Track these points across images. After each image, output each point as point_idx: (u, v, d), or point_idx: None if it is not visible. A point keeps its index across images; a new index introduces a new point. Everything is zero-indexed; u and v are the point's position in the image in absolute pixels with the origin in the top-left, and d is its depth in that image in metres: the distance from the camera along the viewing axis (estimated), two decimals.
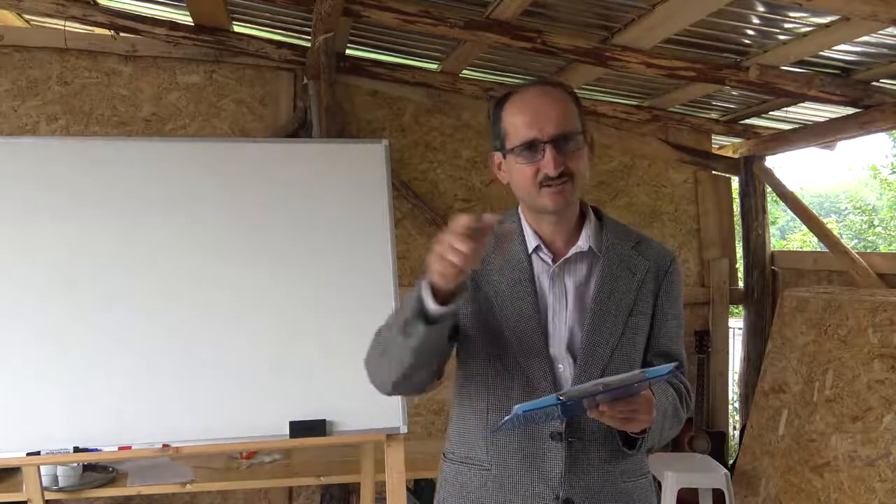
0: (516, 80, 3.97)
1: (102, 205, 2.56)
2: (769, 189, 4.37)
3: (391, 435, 2.58)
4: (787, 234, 13.25)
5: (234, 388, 2.51)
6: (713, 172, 4.40)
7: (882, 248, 11.43)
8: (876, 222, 12.23)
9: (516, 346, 1.40)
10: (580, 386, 1.24)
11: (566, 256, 1.43)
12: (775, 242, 9.55)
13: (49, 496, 2.88)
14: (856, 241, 12.08)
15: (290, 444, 2.54)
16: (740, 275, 4.59)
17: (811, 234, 5.18)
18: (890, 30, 2.56)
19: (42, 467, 2.80)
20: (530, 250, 1.44)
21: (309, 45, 3.64)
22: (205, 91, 3.77)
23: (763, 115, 3.98)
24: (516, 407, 1.19)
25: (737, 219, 4.53)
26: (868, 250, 10.36)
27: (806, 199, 5.49)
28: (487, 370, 1.42)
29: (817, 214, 4.43)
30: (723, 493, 3.40)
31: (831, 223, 11.35)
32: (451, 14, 3.00)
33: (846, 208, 13.58)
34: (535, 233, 1.46)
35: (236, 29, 3.70)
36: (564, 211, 1.42)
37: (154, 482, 3.00)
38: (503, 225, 1.20)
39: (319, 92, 3.57)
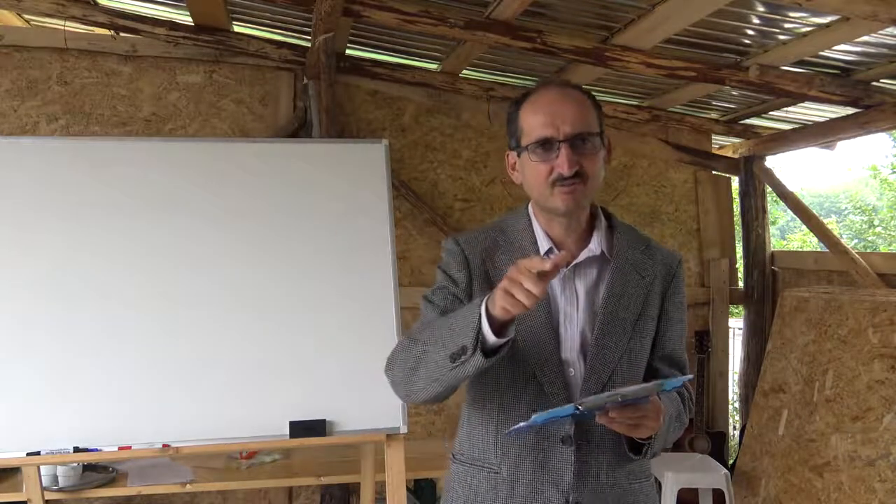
0: (516, 80, 3.97)
1: (102, 205, 2.56)
2: (769, 189, 4.37)
3: (391, 435, 2.58)
4: (787, 234, 13.24)
5: (234, 388, 2.51)
6: (713, 172, 4.40)
7: (882, 248, 11.43)
8: (876, 222, 12.22)
9: (528, 350, 1.39)
10: (598, 396, 1.23)
11: (578, 260, 1.42)
12: (775, 242, 9.56)
13: (49, 496, 2.88)
14: (856, 241, 12.07)
15: (290, 444, 2.54)
16: (740, 275, 4.59)
17: (811, 234, 5.19)
18: (890, 30, 2.56)
19: (42, 467, 2.80)
20: (542, 252, 1.43)
21: (309, 45, 3.65)
22: (205, 91, 3.77)
23: (763, 115, 3.98)
24: (534, 416, 1.19)
25: (737, 219, 4.53)
26: (868, 250, 10.36)
27: (806, 199, 5.49)
28: (498, 373, 1.41)
29: (817, 214, 4.43)
30: (723, 493, 3.40)
31: (831, 223, 11.35)
32: (451, 14, 3.00)
33: (846, 208, 13.58)
34: (547, 234, 1.45)
35: (236, 29, 3.70)
36: (575, 213, 1.41)
37: (154, 482, 3.00)
38: (559, 255, 1.20)
39: (319, 92, 3.57)
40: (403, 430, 2.59)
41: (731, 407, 4.79)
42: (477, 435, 1.47)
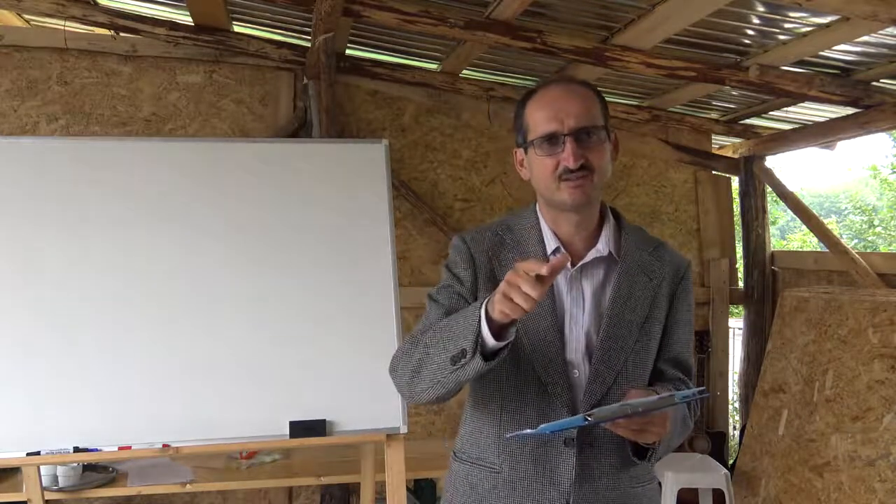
0: (516, 80, 3.97)
1: (102, 205, 2.55)
2: (769, 189, 4.37)
3: (391, 435, 2.58)
4: (787, 234, 13.24)
5: (234, 388, 2.51)
6: (713, 172, 4.41)
7: (882, 248, 11.42)
8: (876, 222, 12.22)
9: (532, 350, 1.38)
10: (609, 407, 1.22)
11: (585, 260, 1.41)
12: (775, 242, 9.56)
13: (49, 496, 2.88)
14: (856, 241, 12.07)
15: (290, 444, 2.54)
16: (740, 275, 4.59)
17: (811, 234, 5.18)
18: (890, 30, 2.56)
19: (42, 467, 2.80)
20: (549, 252, 1.42)
21: (309, 45, 3.65)
22: (205, 91, 3.77)
23: (763, 115, 3.98)
24: (542, 426, 1.18)
25: (737, 219, 4.53)
26: (868, 250, 10.36)
27: (806, 199, 5.49)
28: (502, 373, 1.40)
29: (817, 214, 4.43)
30: (723, 493, 3.40)
31: (831, 223, 11.34)
32: (451, 14, 3.00)
33: (846, 208, 13.57)
34: (554, 233, 1.44)
35: (236, 29, 3.70)
36: (583, 208, 1.40)
37: (154, 482, 3.00)
38: (556, 258, 1.19)
39: (319, 92, 3.57)
40: (403, 430, 2.59)
41: (731, 407, 4.79)
42: (479, 434, 1.46)
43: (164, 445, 2.43)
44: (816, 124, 3.84)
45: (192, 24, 3.57)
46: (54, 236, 2.50)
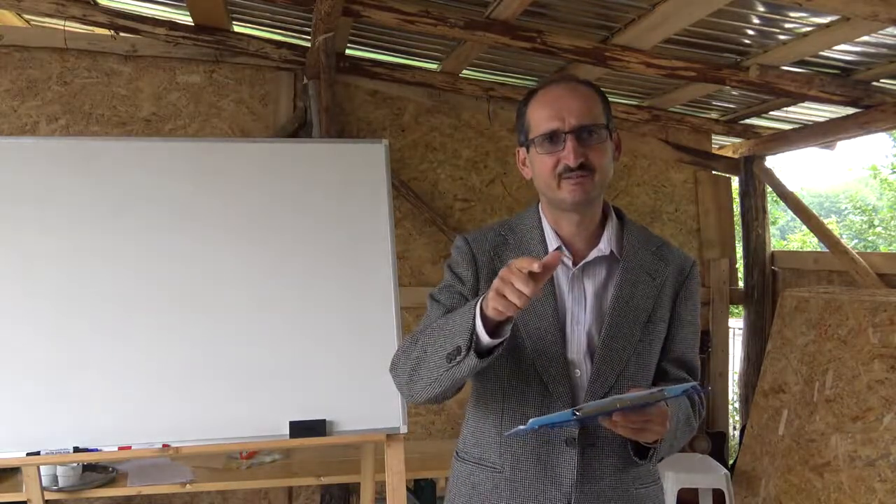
0: (516, 80, 3.97)
1: (102, 205, 2.55)
2: (769, 189, 4.37)
3: (391, 435, 2.58)
4: (787, 234, 13.24)
5: (234, 388, 2.51)
6: (713, 172, 4.40)
7: (882, 248, 11.42)
8: (876, 222, 12.21)
9: (533, 350, 1.38)
10: (597, 402, 1.22)
11: (587, 260, 1.41)
12: (775, 242, 9.55)
13: (49, 496, 2.87)
14: (856, 241, 12.07)
15: (290, 444, 2.54)
16: (740, 275, 4.59)
17: (811, 234, 5.19)
18: (890, 30, 2.56)
19: (42, 467, 2.80)
20: (550, 251, 1.42)
21: (309, 45, 3.65)
22: (205, 91, 3.77)
23: (763, 115, 3.98)
24: (531, 420, 1.18)
25: (737, 219, 4.53)
26: (868, 250, 10.36)
27: (806, 199, 5.49)
28: (503, 373, 1.40)
29: (817, 214, 4.43)
30: (723, 493, 3.40)
31: (831, 223, 11.34)
32: (451, 14, 3.00)
33: (846, 208, 13.56)
34: (556, 233, 1.43)
35: (236, 29, 3.70)
36: (584, 207, 1.39)
37: (154, 482, 3.00)
38: (549, 255, 1.19)
39: (319, 92, 3.57)
40: (403, 430, 2.59)
41: (731, 407, 4.79)
42: (480, 434, 1.46)
43: (164, 445, 2.43)
44: (816, 124, 3.84)
45: (192, 24, 3.57)
46: (54, 236, 2.50)
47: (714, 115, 4.18)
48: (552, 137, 1.36)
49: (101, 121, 3.66)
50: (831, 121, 3.69)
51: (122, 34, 3.61)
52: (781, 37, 2.85)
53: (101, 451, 2.40)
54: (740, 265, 4.65)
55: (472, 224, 3.99)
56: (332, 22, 3.12)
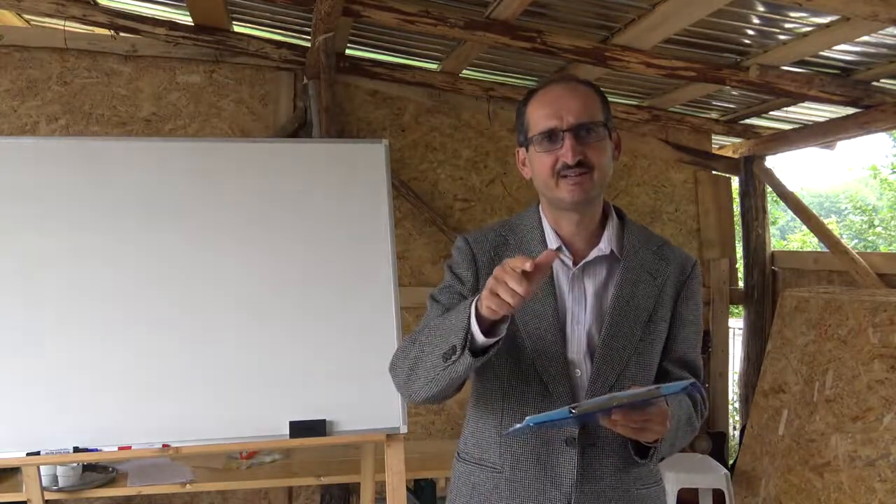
0: (516, 80, 3.97)
1: (102, 205, 2.55)
2: (769, 189, 4.37)
3: (391, 435, 2.58)
4: (787, 234, 13.24)
5: (235, 388, 2.51)
6: (713, 172, 4.40)
7: (882, 248, 11.42)
8: (876, 222, 12.21)
9: (533, 350, 1.38)
10: (593, 400, 1.22)
11: (587, 259, 1.41)
12: (775, 242, 9.55)
13: (49, 496, 2.87)
14: (856, 241, 12.07)
15: (290, 444, 2.54)
16: (740, 275, 4.59)
17: (811, 234, 5.19)
18: (890, 30, 2.56)
19: (42, 467, 2.80)
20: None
21: (309, 45, 3.65)
22: (205, 91, 3.77)
23: (763, 115, 3.98)
24: (528, 418, 1.18)
25: (737, 219, 4.53)
26: (868, 250, 10.36)
27: (806, 199, 5.49)
28: (503, 373, 1.40)
29: (817, 214, 4.43)
30: (723, 493, 3.40)
31: (831, 223, 11.34)
32: (451, 14, 3.00)
33: (846, 208, 13.57)
34: (556, 233, 1.43)
35: (236, 29, 3.70)
36: (584, 206, 1.39)
37: (154, 482, 3.00)
38: (543, 254, 1.19)
39: (319, 92, 3.57)
40: (403, 430, 2.59)
41: (731, 407, 4.79)
42: (480, 434, 1.46)
43: (164, 445, 2.43)
44: (816, 124, 3.84)
45: (192, 24, 3.57)
46: (54, 236, 2.50)
47: (714, 115, 4.18)
48: (551, 136, 1.36)
49: (101, 121, 3.66)
50: (831, 121, 3.69)
51: (122, 34, 3.61)
52: (781, 37, 2.85)
53: (101, 451, 2.40)
54: (740, 265, 4.65)
55: (472, 224, 3.99)
56: (332, 22, 3.12)
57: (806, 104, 3.61)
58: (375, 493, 3.02)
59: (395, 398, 2.51)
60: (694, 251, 4.35)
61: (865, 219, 12.47)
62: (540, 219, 1.46)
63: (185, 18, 3.58)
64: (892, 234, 11.94)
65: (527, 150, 1.43)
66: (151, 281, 2.54)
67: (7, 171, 2.51)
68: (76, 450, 2.38)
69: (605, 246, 1.42)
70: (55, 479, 2.93)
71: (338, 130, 3.66)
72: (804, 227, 7.28)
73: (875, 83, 3.16)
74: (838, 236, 4.27)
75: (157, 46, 3.66)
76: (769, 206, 4.56)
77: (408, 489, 3.17)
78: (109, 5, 3.52)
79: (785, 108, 3.77)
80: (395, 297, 2.68)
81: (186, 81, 3.76)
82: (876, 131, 3.44)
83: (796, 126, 4.01)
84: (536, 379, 1.38)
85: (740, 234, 4.47)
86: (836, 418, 3.13)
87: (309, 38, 3.63)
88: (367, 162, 2.81)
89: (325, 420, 2.53)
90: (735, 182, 4.47)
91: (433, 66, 3.90)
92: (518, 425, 1.19)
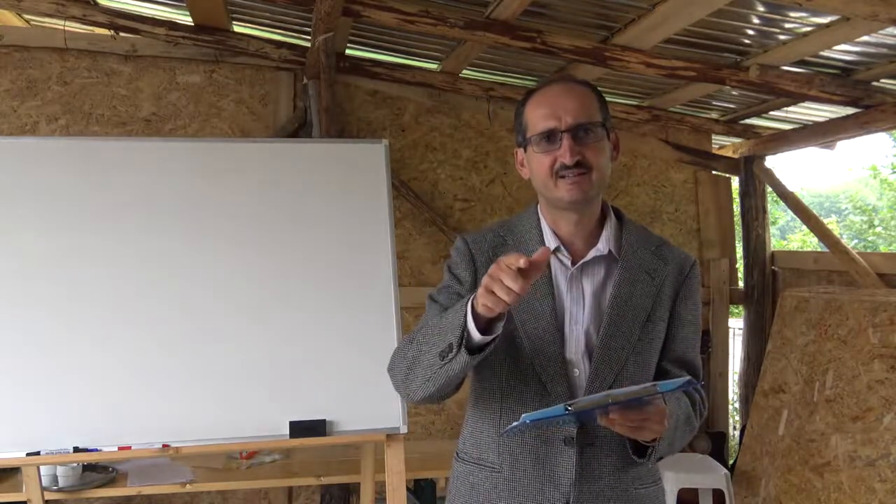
0: (516, 80, 3.97)
1: (102, 205, 2.55)
2: (769, 189, 4.37)
3: (391, 435, 2.58)
4: (787, 234, 13.24)
5: (235, 387, 2.51)
6: (713, 172, 4.40)
7: (882, 248, 11.42)
8: (876, 222, 12.21)
9: (532, 350, 1.38)
10: (589, 397, 1.22)
11: (585, 259, 1.41)
12: (775, 242, 9.55)
13: (49, 496, 2.87)
14: (856, 241, 12.07)
15: (290, 444, 2.54)
16: (740, 275, 4.59)
17: (811, 234, 5.19)
18: (890, 30, 2.56)
19: (42, 467, 2.80)
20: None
21: (309, 45, 3.64)
22: (205, 91, 3.77)
23: (763, 115, 3.98)
24: (524, 415, 1.18)
25: (737, 219, 4.53)
26: (868, 250, 10.36)
27: (806, 199, 5.49)
28: (502, 372, 1.41)
29: (817, 214, 4.43)
30: (723, 493, 3.40)
31: (831, 223, 11.34)
32: (451, 14, 3.00)
33: (846, 208, 13.57)
34: (555, 233, 1.44)
35: (236, 29, 3.70)
36: (582, 206, 1.39)
37: (154, 482, 3.00)
38: (538, 251, 1.19)
39: (319, 92, 3.57)
40: (403, 430, 2.59)
41: (731, 407, 4.79)
42: (479, 434, 1.47)
43: (164, 445, 2.43)
44: (816, 124, 3.84)
45: (192, 24, 3.57)
46: (54, 236, 2.50)
47: (714, 115, 4.18)
48: (549, 136, 1.36)
49: (101, 121, 3.66)
50: (831, 121, 3.69)
51: (122, 34, 3.61)
52: (781, 37, 2.85)
53: (101, 451, 2.40)
54: (740, 265, 4.65)
55: (472, 224, 3.99)
56: (332, 22, 3.12)
57: (806, 104, 3.61)
58: (375, 493, 3.02)
59: (394, 398, 2.51)
60: (694, 251, 4.35)
61: (865, 219, 12.47)
62: (538, 219, 1.46)
63: (185, 18, 3.58)
64: (892, 234, 11.94)
65: (525, 151, 1.43)
66: (151, 280, 2.54)
67: (7, 171, 2.51)
68: (76, 450, 2.38)
69: (603, 246, 1.42)
70: (55, 479, 2.93)
71: (338, 130, 3.66)
72: (804, 227, 7.28)
73: (875, 83, 3.16)
74: (838, 236, 4.26)
75: (157, 46, 3.67)
76: (769, 206, 4.56)
77: (408, 489, 3.17)
78: (109, 5, 3.52)
79: (785, 108, 3.77)
80: (394, 297, 2.68)
81: (186, 81, 3.76)
82: (876, 131, 3.44)
83: (796, 126, 4.01)
84: (535, 379, 1.38)
85: (740, 234, 4.47)
86: (836, 418, 3.13)
87: (309, 38, 3.63)
88: (367, 162, 2.81)
89: (325, 420, 2.53)
90: (735, 182, 4.47)
91: (433, 66, 3.90)
92: (515, 423, 1.20)
